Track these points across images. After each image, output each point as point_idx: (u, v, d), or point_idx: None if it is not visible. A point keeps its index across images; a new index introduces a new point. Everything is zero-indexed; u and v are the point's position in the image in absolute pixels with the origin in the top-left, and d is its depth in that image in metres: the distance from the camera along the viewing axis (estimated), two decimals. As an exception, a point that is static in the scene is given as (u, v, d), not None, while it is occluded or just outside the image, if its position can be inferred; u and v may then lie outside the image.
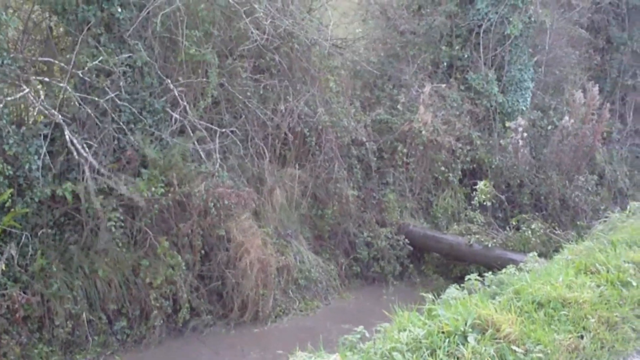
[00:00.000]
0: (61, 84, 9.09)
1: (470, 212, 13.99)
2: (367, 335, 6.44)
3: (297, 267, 11.28)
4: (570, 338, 6.46)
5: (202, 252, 10.25)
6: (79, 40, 9.35)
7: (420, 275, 13.01)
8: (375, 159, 13.25)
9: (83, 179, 9.10)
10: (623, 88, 19.46)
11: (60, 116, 8.97)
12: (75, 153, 8.96)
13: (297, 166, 12.02)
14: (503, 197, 14.28)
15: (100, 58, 9.39)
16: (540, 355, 5.98)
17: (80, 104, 9.19)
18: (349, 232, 12.45)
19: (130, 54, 9.83)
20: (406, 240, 12.86)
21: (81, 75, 9.21)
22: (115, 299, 9.54)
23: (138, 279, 9.65)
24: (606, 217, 11.86)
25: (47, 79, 9.38)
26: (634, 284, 7.89)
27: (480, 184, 13.46)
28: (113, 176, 9.33)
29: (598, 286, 7.70)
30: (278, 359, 5.52)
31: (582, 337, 6.62)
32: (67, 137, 8.92)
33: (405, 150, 13.65)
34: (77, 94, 9.22)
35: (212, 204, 9.96)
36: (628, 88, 19.50)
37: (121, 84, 9.63)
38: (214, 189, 10.08)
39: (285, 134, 11.83)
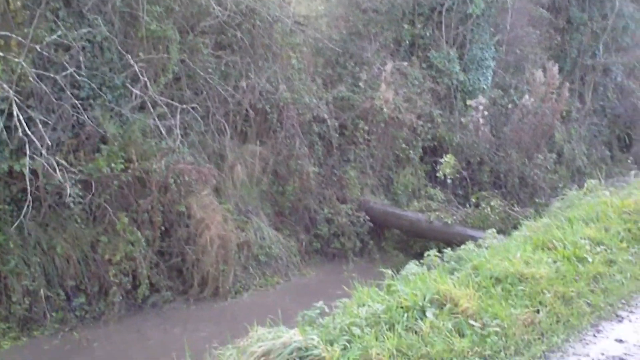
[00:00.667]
0: (16, 59, 8.94)
1: (430, 189, 14.12)
2: (327, 310, 6.48)
3: (257, 244, 11.30)
4: (526, 312, 6.55)
5: (162, 228, 10.22)
6: (36, 14, 9.21)
7: (380, 252, 13.09)
8: (336, 135, 13.27)
9: (40, 154, 9.00)
10: (582, 68, 19.67)
11: (11, 91, 8.80)
12: (20, 130, 8.78)
13: (258, 143, 12.01)
14: (465, 174, 14.41)
15: (59, 33, 9.26)
16: (497, 329, 6.06)
17: (36, 80, 9.04)
18: (309, 209, 12.48)
19: (90, 29, 9.71)
20: (367, 216, 12.94)
21: (39, 50, 9.06)
22: (73, 275, 9.48)
23: (97, 255, 9.60)
24: (564, 194, 12.03)
25: (1, 54, 9.22)
26: (590, 259, 8.02)
27: (446, 157, 13.57)
28: (70, 153, 9.24)
29: (555, 262, 7.82)
30: (237, 334, 5.52)
31: (538, 311, 6.72)
32: (14, 113, 8.73)
33: (366, 128, 13.69)
34: (35, 70, 9.07)
35: (173, 180, 9.94)
36: (587, 68, 19.72)
37: (80, 59, 9.51)
38: (174, 165, 10.05)
39: (247, 110, 11.79)
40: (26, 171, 8.66)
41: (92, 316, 9.65)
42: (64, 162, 9.14)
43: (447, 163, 13.57)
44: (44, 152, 8.88)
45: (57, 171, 8.89)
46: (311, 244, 12.49)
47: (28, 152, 8.71)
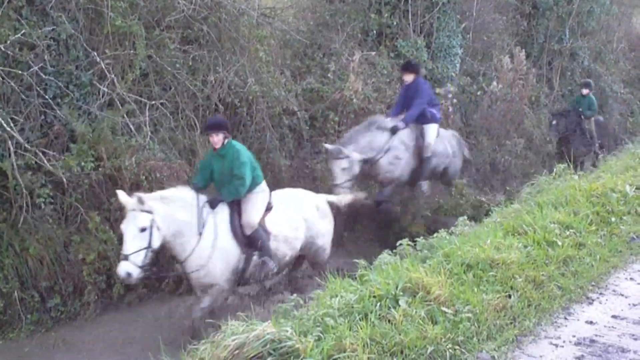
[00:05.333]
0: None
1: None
2: (301, 302, 6.52)
3: (232, 238, 11.27)
4: (498, 298, 6.65)
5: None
6: (-1, 13, 9.13)
7: (355, 244, 13.08)
8: (307, 128, 13.24)
9: (9, 155, 8.93)
10: (550, 53, 19.80)
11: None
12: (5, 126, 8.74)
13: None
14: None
15: (23, 31, 9.15)
16: (469, 315, 6.15)
17: (3, 78, 8.97)
18: (282, 202, 12.47)
19: (54, 27, 9.60)
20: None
21: (3, 49, 8.98)
22: (47, 276, 9.40)
23: (70, 255, 9.52)
24: (534, 180, 12.14)
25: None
26: (559, 243, 8.14)
27: None
28: (39, 152, 9.16)
29: (525, 247, 7.94)
30: (210, 329, 5.54)
31: (509, 296, 6.83)
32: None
33: (337, 119, 13.66)
34: (1, 69, 9.00)
35: (144, 177, 9.87)
36: (554, 53, 19.86)
37: (46, 57, 9.40)
38: (145, 162, 9.98)
39: (216, 105, 11.73)
40: (8, 171, 8.68)
41: (68, 316, 9.56)
42: (33, 160, 9.09)
43: None
44: (12, 150, 8.84)
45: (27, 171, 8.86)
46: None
47: (10, 151, 8.71)
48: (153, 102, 10.64)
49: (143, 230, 7.68)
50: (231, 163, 8.46)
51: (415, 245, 8.23)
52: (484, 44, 17.66)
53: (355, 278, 6.94)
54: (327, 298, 6.24)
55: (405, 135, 12.14)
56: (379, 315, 5.87)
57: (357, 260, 7.51)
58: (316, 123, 13.62)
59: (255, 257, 8.59)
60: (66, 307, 9.60)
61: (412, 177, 12.53)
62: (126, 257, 7.59)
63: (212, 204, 8.46)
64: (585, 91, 16.53)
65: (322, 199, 10.07)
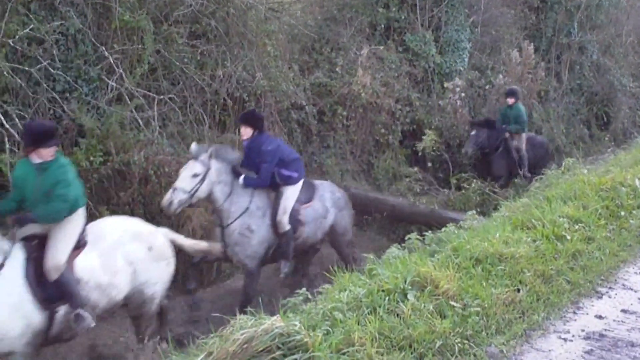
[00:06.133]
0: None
1: (409, 170, 14.14)
2: (310, 297, 6.52)
3: (240, 233, 11.25)
4: (507, 292, 6.64)
5: (144, 220, 10.16)
6: (8, 8, 9.13)
7: (363, 238, 13.08)
8: (315, 122, 13.25)
9: (19, 149, 8.95)
10: (558, 46, 19.69)
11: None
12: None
13: (237, 132, 11.97)
14: (445, 156, 14.49)
15: (31, 26, 9.18)
16: (478, 309, 6.14)
17: (11, 74, 8.99)
18: (290, 196, 12.45)
19: (62, 22, 9.62)
20: (348, 202, 12.90)
21: (12, 44, 9.00)
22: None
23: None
24: (543, 174, 12.13)
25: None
26: (568, 237, 8.12)
27: (427, 132, 13.68)
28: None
29: (534, 241, 7.92)
30: (221, 322, 5.55)
31: (518, 290, 6.81)
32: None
33: (345, 113, 13.69)
34: (9, 64, 9.01)
35: (153, 171, 9.89)
36: (563, 47, 19.74)
37: (54, 52, 9.43)
38: (153, 156, 10.00)
39: (224, 99, 11.74)
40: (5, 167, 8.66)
41: (77, 310, 9.59)
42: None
43: (428, 137, 13.66)
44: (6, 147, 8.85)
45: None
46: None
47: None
48: (161, 97, 10.67)
49: None
50: (54, 180, 6.65)
51: (423, 239, 8.23)
52: (492, 37, 17.62)
53: (364, 272, 6.95)
54: (335, 292, 6.25)
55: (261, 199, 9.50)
56: (388, 309, 5.87)
57: (365, 255, 7.52)
58: (324, 117, 13.63)
59: (61, 312, 6.70)
60: (75, 301, 9.59)
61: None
62: None
63: (20, 222, 6.67)
64: (510, 100, 14.34)
65: (160, 236, 7.90)
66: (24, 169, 6.75)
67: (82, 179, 9.27)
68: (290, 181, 9.57)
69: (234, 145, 11.40)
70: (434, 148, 14.00)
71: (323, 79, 13.70)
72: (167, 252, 7.83)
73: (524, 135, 14.53)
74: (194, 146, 8.97)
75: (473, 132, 14.28)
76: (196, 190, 8.62)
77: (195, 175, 8.62)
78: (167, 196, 8.48)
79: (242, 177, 9.21)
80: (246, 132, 9.31)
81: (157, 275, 7.65)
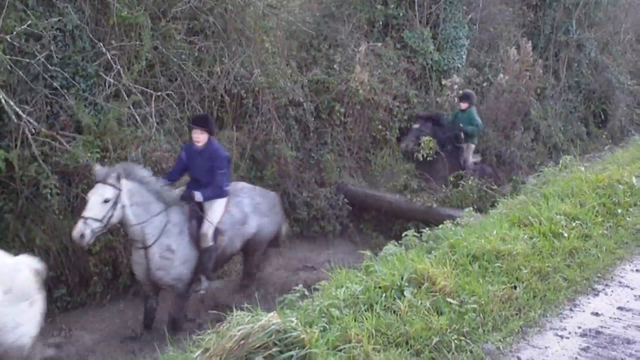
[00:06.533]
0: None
1: (406, 166, 14.13)
2: (307, 293, 6.53)
3: (237, 229, 11.26)
4: (503, 289, 6.65)
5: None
6: (5, 3, 9.11)
7: (360, 234, 13.11)
8: (312, 119, 13.23)
9: (16, 146, 8.96)
10: (556, 44, 19.68)
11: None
12: (13, 117, 8.74)
13: (234, 128, 11.99)
14: (442, 154, 14.45)
15: (29, 22, 9.16)
16: (475, 306, 6.15)
17: (13, 68, 8.98)
18: (288, 193, 12.45)
19: (60, 17, 9.62)
20: (345, 199, 12.95)
21: (10, 40, 8.99)
22: (53, 267, 9.38)
23: (76, 246, 9.54)
24: (540, 171, 12.13)
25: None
26: (565, 234, 8.14)
27: (424, 139, 13.57)
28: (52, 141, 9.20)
29: (531, 238, 7.94)
30: (218, 318, 5.55)
31: (515, 287, 6.82)
32: (2, 100, 8.68)
33: (342, 110, 13.69)
34: (7, 59, 9.01)
35: (150, 168, 9.88)
36: (561, 44, 19.74)
37: (52, 48, 9.42)
38: (151, 153, 10.01)
39: (222, 96, 11.75)
40: (14, 161, 8.70)
41: (74, 307, 9.59)
42: (41, 150, 9.11)
43: (426, 144, 13.60)
44: (30, 139, 8.88)
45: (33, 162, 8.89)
46: (291, 228, 12.48)
47: (16, 142, 8.75)
48: (159, 93, 10.66)
49: None
50: None
51: (420, 236, 8.24)
52: (490, 35, 17.62)
53: (361, 269, 6.96)
54: (332, 289, 6.26)
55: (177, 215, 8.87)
56: (384, 306, 5.88)
57: (362, 252, 7.52)
58: (322, 114, 13.62)
59: None
60: (72, 297, 9.63)
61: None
62: None
63: None
64: (463, 105, 13.90)
65: (22, 270, 6.52)
66: None
67: (79, 175, 9.36)
68: (222, 194, 9.11)
69: (231, 143, 11.44)
70: (433, 154, 13.93)
71: (321, 76, 13.69)
72: (32, 287, 6.56)
73: (472, 147, 14.02)
74: (98, 168, 8.24)
75: (416, 126, 13.79)
76: (110, 217, 8.02)
77: (106, 201, 7.98)
78: (78, 227, 7.81)
79: (197, 194, 8.78)
80: (202, 137, 8.86)
81: (19, 318, 6.32)
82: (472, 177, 12.76)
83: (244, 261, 10.32)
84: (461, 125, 13.73)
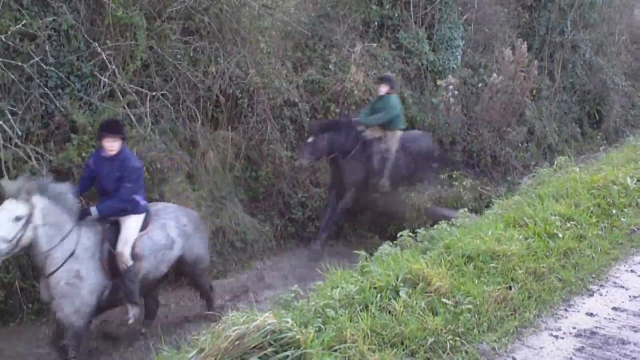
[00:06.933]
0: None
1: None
2: (302, 293, 6.53)
3: (232, 230, 11.25)
4: (498, 289, 6.66)
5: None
6: (0, 3, 9.11)
7: (355, 235, 13.09)
8: (308, 119, 13.21)
9: (11, 145, 8.94)
10: (551, 45, 19.69)
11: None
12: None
13: (229, 128, 11.97)
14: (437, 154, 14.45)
15: (24, 22, 9.16)
16: (470, 306, 6.16)
17: (4, 69, 8.97)
18: (283, 193, 12.46)
19: (55, 17, 9.60)
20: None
21: (4, 40, 8.97)
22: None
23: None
24: (535, 172, 12.15)
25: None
26: (560, 235, 8.15)
27: None
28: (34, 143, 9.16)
29: (526, 238, 7.95)
30: (209, 319, 5.55)
31: (510, 288, 6.84)
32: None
33: (337, 110, 13.66)
34: (1, 59, 8.99)
35: (145, 168, 9.87)
36: (556, 45, 19.75)
37: (47, 48, 9.41)
38: (146, 153, 9.99)
39: (217, 96, 11.73)
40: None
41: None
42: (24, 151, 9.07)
43: None
44: (16, 141, 8.86)
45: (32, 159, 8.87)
46: (286, 229, 12.47)
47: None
48: (154, 93, 10.65)
49: None
50: None
51: (415, 236, 8.25)
52: (485, 35, 17.63)
53: (356, 269, 6.96)
54: (327, 289, 6.26)
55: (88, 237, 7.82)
56: (380, 306, 5.89)
57: (357, 252, 7.52)
58: (317, 114, 13.62)
59: None
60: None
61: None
62: None
63: None
64: (383, 89, 12.43)
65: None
66: None
67: (73, 175, 9.32)
68: (137, 209, 8.14)
69: (226, 143, 11.43)
70: None
71: (316, 76, 13.69)
72: None
73: (398, 134, 12.66)
74: (6, 183, 7.31)
75: (310, 140, 12.10)
76: (20, 238, 6.98)
77: (17, 219, 6.96)
78: None
79: (93, 209, 7.80)
80: (115, 144, 7.88)
81: None
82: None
83: (195, 289, 9.76)
84: (354, 119, 12.49)
